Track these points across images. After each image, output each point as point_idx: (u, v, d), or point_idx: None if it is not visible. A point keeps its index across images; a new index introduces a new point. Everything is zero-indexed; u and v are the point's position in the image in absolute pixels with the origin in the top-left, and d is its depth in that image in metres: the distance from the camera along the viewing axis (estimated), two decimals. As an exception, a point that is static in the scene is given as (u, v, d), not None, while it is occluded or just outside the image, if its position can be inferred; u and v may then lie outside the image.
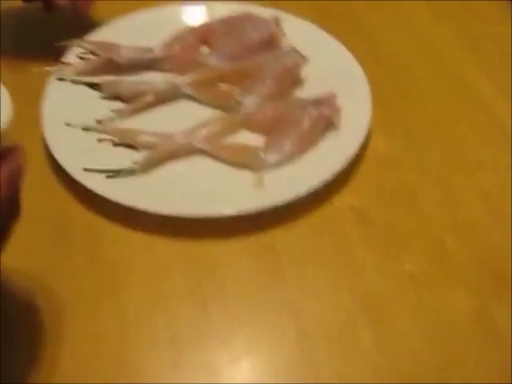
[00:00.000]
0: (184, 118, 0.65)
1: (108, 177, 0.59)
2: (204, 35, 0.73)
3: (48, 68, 0.67)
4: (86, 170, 0.59)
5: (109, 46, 0.69)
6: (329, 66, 0.69)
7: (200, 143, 0.61)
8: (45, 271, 0.55)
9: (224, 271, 0.56)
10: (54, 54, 0.69)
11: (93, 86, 0.67)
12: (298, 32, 0.72)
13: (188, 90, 0.66)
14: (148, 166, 0.60)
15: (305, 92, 0.67)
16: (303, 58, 0.68)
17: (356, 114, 0.64)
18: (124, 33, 0.72)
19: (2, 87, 0.42)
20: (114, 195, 0.58)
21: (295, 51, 0.68)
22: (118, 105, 0.66)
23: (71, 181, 0.59)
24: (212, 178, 0.61)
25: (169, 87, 0.66)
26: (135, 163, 0.60)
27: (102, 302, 0.54)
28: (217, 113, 0.66)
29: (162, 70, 0.70)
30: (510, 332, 0.51)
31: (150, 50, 0.70)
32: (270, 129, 0.64)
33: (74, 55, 0.70)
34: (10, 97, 0.41)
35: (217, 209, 0.57)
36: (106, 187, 0.58)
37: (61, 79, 0.67)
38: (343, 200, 0.61)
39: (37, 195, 0.58)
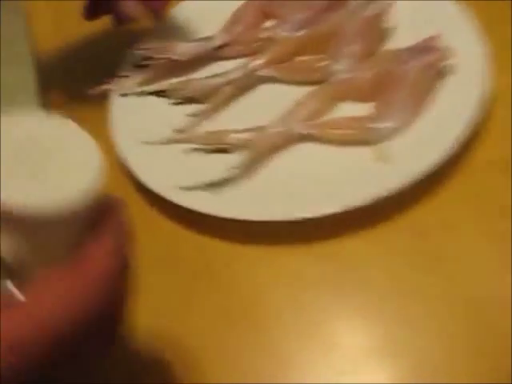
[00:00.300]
0: (271, 104, 0.56)
1: (207, 191, 0.51)
2: (264, 8, 0.63)
3: (105, 86, 0.59)
4: (183, 188, 0.51)
5: (164, 47, 0.60)
6: (421, 6, 0.59)
7: (301, 128, 0.52)
8: (169, 322, 0.47)
9: (374, 264, 0.47)
10: (106, 71, 0.61)
11: (159, 93, 0.59)
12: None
13: (267, 72, 0.57)
14: (249, 168, 0.52)
15: (400, 42, 0.57)
16: (387, 3, 0.58)
17: (468, 54, 0.54)
18: (177, 27, 0.63)
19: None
20: (220, 210, 0.50)
21: (376, -2, 0.59)
22: (193, 108, 0.57)
23: (166, 204, 0.52)
24: (326, 165, 0.51)
25: (244, 73, 0.57)
26: (233, 168, 0.51)
27: (243, 338, 0.45)
28: (306, 89, 0.56)
29: (228, 57, 0.61)
30: None
31: (210, 38, 0.61)
32: (373, 93, 0.54)
33: (129, 67, 0.61)
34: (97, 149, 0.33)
35: (345, 200, 0.48)
36: (207, 203, 0.50)
37: (123, 95, 0.59)
38: (481, 155, 0.51)
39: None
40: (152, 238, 0.51)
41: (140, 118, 0.58)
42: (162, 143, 0.55)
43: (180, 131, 0.55)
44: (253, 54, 0.60)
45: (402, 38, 0.58)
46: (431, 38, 0.54)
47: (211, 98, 0.57)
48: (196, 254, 0.51)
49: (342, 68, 0.56)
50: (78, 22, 0.61)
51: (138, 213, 0.52)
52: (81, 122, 0.56)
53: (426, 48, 0.53)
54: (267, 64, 0.58)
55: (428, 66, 0.53)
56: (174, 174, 0.53)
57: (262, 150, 0.52)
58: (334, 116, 0.54)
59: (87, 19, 0.60)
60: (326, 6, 0.60)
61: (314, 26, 0.59)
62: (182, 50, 0.60)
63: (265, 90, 0.58)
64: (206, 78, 0.58)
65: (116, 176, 0.55)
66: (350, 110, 0.55)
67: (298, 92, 0.56)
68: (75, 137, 0.33)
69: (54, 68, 0.65)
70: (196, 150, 0.54)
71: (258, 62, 0.58)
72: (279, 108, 0.55)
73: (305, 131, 0.52)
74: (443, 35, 0.54)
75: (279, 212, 0.49)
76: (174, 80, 0.59)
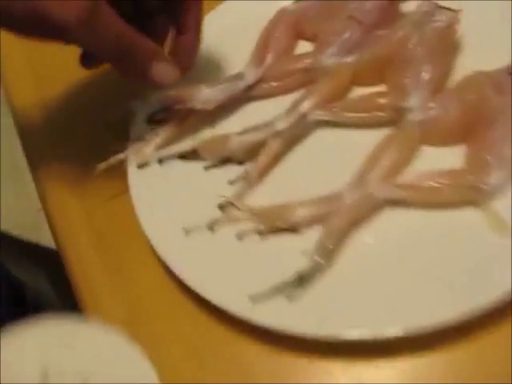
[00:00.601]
0: (332, 156, 0.45)
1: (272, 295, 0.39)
2: (296, 25, 0.51)
3: (116, 158, 0.46)
4: (252, 299, 0.38)
5: (184, 94, 0.47)
6: (491, 14, 0.48)
7: (385, 191, 0.41)
8: None
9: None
10: (112, 134, 0.48)
11: (187, 156, 0.46)
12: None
13: (320, 115, 0.45)
14: (329, 257, 0.40)
15: (480, 62, 0.46)
16: (454, 12, 0.47)
17: None
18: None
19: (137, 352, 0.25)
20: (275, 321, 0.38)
21: (438, 7, 0.47)
22: (233, 171, 0.45)
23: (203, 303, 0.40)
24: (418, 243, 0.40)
25: (294, 122, 0.45)
26: (315, 260, 0.39)
27: None
28: (373, 134, 0.45)
29: (263, 96, 0.49)
30: None
31: (239, 76, 0.48)
32: (465, 133, 0.43)
33: (141, 125, 0.48)
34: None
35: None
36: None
37: (142, 165, 0.46)
38: None
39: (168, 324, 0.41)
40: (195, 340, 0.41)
41: (169, 193, 0.45)
42: (203, 228, 0.42)
43: (223, 207, 0.43)
44: (293, 89, 0.48)
45: (479, 55, 0.46)
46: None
47: (256, 158, 0.44)
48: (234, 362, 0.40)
49: (415, 103, 0.44)
50: (63, 73, 0.48)
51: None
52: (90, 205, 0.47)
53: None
54: (319, 104, 0.45)
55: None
56: (225, 272, 0.41)
57: (343, 227, 0.40)
58: (416, 168, 0.43)
59: (86, 68, 0.47)
60: (376, 20, 0.48)
61: (368, 49, 0.47)
62: (207, 96, 0.46)
63: (320, 138, 0.46)
64: (246, 131, 0.45)
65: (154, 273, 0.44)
66: (435, 159, 0.43)
67: (364, 138, 0.45)
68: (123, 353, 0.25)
69: (42, 138, 0.51)
70: (248, 233, 0.42)
71: (307, 102, 0.45)
72: (344, 161, 0.44)
73: (390, 195, 0.41)
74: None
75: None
76: (203, 136, 0.47)
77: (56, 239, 0.48)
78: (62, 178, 0.49)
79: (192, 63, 0.46)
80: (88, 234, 0.46)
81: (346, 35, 0.48)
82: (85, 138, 0.50)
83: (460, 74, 0.46)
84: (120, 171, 0.46)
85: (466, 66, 0.46)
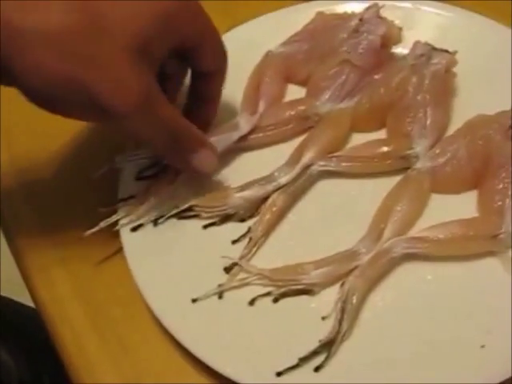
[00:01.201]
0: (340, 210, 0.43)
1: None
2: (285, 70, 0.49)
3: (106, 221, 0.42)
4: (279, 374, 0.36)
5: None
6: (486, 55, 0.47)
7: (405, 246, 0.39)
8: None
9: None
10: (99, 196, 0.44)
11: (184, 214, 0.43)
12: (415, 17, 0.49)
13: (326, 166, 0.43)
14: (352, 320, 0.38)
15: (481, 103, 0.45)
16: (451, 54, 0.46)
17: None
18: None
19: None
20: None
21: (434, 48, 0.46)
22: (233, 229, 0.42)
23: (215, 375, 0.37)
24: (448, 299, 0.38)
25: (297, 174, 0.43)
26: (340, 324, 0.37)
27: None
28: (380, 184, 0.43)
29: (259, 146, 0.46)
30: None
31: (234, 126, 0.45)
32: (476, 179, 0.42)
33: (129, 183, 0.44)
34: None
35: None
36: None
37: (135, 228, 0.42)
38: None
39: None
40: None
41: (168, 256, 0.41)
42: (209, 295, 0.39)
43: (229, 269, 0.40)
44: (289, 137, 0.46)
45: (476, 97, 0.46)
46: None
47: (261, 214, 0.42)
48: None
49: (421, 150, 0.43)
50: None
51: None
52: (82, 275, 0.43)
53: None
54: (321, 154, 0.43)
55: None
56: (237, 341, 0.38)
57: (362, 287, 0.38)
58: (429, 217, 0.41)
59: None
60: (371, 62, 0.47)
61: (367, 94, 0.46)
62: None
63: (324, 190, 0.44)
64: (247, 186, 0.43)
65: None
66: (444, 203, 0.42)
67: (369, 188, 0.43)
68: None
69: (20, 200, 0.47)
70: (261, 297, 0.39)
71: (309, 153, 0.43)
72: (352, 213, 0.42)
73: (408, 250, 0.39)
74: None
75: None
76: (199, 192, 0.43)
77: (42, 312, 0.44)
78: (44, 244, 0.45)
79: (208, 130, 0.44)
80: (79, 306, 0.43)
81: (341, 79, 0.46)
82: (69, 198, 0.46)
83: (460, 117, 0.44)
84: (109, 232, 0.43)
85: (465, 109, 0.45)
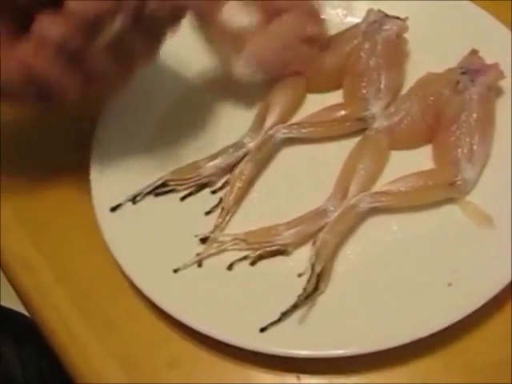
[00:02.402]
0: (304, 173, 0.45)
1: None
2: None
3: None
4: (262, 330, 0.38)
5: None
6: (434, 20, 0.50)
7: (370, 201, 0.41)
8: None
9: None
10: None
11: (160, 190, 0.44)
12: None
13: (288, 134, 0.45)
14: (327, 274, 0.40)
15: (431, 64, 0.47)
16: (402, 20, 0.47)
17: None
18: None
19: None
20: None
21: (386, 16, 0.48)
22: (206, 201, 0.44)
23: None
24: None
25: (261, 143, 0.44)
26: (316, 279, 0.38)
27: None
28: (342, 145, 0.45)
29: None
30: None
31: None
32: (430, 134, 0.44)
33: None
34: None
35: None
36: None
37: (114, 208, 0.43)
38: None
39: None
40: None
41: (147, 234, 0.43)
42: (198, 265, 0.41)
43: (205, 239, 0.42)
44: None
45: (427, 58, 0.48)
46: (474, 55, 0.45)
47: (230, 183, 0.44)
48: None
49: (376, 111, 0.45)
50: None
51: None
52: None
53: (481, 67, 0.44)
54: (282, 118, 0.46)
55: (487, 88, 0.44)
56: (220, 304, 0.40)
57: (332, 242, 0.40)
58: (390, 173, 0.43)
59: None
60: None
61: (322, 60, 0.48)
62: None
63: (288, 156, 0.46)
64: (216, 156, 0.45)
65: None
66: (407, 162, 0.44)
67: (331, 150, 0.45)
68: None
69: None
70: (238, 261, 0.41)
71: (271, 118, 0.45)
72: (316, 175, 0.44)
73: (373, 204, 0.42)
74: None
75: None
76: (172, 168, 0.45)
77: (25, 300, 0.45)
78: (21, 233, 0.46)
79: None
80: (62, 290, 0.44)
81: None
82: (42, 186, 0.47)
83: (413, 78, 0.47)
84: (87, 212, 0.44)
85: (418, 70, 0.47)
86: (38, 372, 0.58)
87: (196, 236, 0.42)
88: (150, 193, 0.44)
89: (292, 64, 0.47)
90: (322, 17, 0.48)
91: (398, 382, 0.38)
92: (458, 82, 0.44)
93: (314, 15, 0.48)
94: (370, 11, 0.48)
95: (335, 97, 0.48)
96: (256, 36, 0.45)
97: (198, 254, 0.41)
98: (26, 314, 0.46)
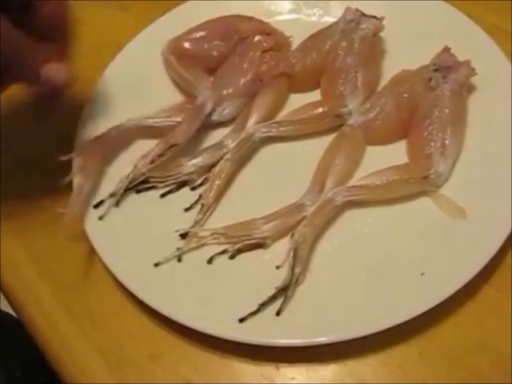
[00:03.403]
0: (283, 170, 0.46)
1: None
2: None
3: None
4: (241, 320, 0.38)
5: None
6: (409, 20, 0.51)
7: (346, 194, 0.42)
8: None
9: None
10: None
11: (141, 186, 0.45)
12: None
13: (267, 132, 0.46)
14: (304, 266, 0.40)
15: (404, 62, 0.48)
16: (379, 20, 0.49)
17: (489, 68, 0.46)
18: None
19: None
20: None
21: (363, 15, 0.49)
22: (186, 197, 0.45)
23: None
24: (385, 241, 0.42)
25: (241, 141, 0.45)
26: (294, 271, 0.39)
27: None
28: (319, 142, 0.46)
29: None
30: None
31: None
32: (404, 129, 0.46)
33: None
34: None
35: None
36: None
37: (96, 205, 0.44)
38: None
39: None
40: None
41: (128, 230, 0.44)
42: (178, 258, 0.42)
43: (187, 235, 0.43)
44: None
45: (402, 56, 0.49)
46: (446, 53, 0.46)
47: (210, 181, 0.45)
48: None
49: (353, 108, 0.46)
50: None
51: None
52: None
53: (453, 64, 0.45)
54: (263, 119, 0.47)
55: (459, 84, 0.45)
56: (201, 297, 0.41)
57: (310, 235, 0.41)
58: (366, 167, 0.45)
59: None
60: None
61: (300, 58, 0.49)
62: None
63: (268, 153, 0.47)
64: (198, 155, 0.46)
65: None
66: (379, 155, 0.45)
67: (309, 147, 0.47)
68: None
69: None
70: (218, 255, 0.42)
71: (253, 119, 0.46)
72: (294, 172, 0.46)
73: (349, 197, 0.43)
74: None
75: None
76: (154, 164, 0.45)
77: (8, 295, 0.45)
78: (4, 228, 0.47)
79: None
80: (45, 285, 0.45)
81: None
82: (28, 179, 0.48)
83: (388, 75, 0.48)
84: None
85: (393, 67, 0.48)
86: (21, 375, 0.58)
87: (176, 231, 0.43)
88: (130, 189, 0.45)
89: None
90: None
91: (374, 369, 0.39)
92: (430, 79, 0.45)
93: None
94: (347, 10, 0.49)
95: (316, 96, 0.49)
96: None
97: (178, 249, 0.42)
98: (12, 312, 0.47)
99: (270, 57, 0.49)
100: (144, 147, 0.47)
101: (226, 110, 0.47)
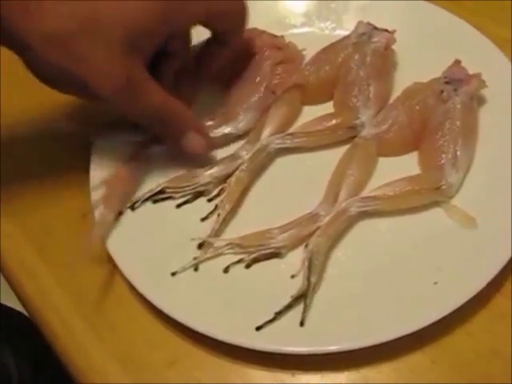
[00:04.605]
0: (298, 181, 0.47)
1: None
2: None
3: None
4: (258, 329, 0.39)
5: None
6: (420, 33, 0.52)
7: (360, 205, 0.43)
8: None
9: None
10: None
11: (158, 197, 0.46)
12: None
13: (282, 144, 0.47)
14: (320, 275, 0.41)
15: (415, 74, 0.49)
16: (390, 33, 0.50)
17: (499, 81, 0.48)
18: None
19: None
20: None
21: (374, 28, 0.50)
22: (203, 206, 0.46)
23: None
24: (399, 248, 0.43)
25: (256, 153, 0.46)
26: (310, 280, 0.40)
27: None
28: (332, 154, 0.47)
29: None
30: None
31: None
32: (416, 141, 0.47)
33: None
34: None
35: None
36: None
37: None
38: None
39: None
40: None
41: (146, 239, 0.45)
42: (194, 269, 0.43)
43: (203, 245, 0.43)
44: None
45: (413, 69, 0.50)
46: (457, 66, 0.47)
47: (226, 191, 0.45)
48: None
49: (365, 120, 0.47)
50: None
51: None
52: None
53: (463, 77, 0.46)
54: (277, 131, 0.48)
55: (469, 96, 0.46)
56: (219, 307, 0.41)
57: (325, 245, 0.42)
58: (379, 178, 0.45)
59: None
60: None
61: (313, 71, 0.50)
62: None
63: (282, 165, 0.48)
64: (213, 165, 0.47)
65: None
66: (390, 165, 0.46)
67: (323, 159, 0.47)
68: None
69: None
70: (234, 264, 0.43)
71: (267, 131, 0.47)
72: (308, 183, 0.46)
73: (363, 208, 0.43)
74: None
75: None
76: (171, 176, 0.47)
77: (27, 305, 0.46)
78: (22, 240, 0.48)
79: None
80: (63, 294, 0.45)
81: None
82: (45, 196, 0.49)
83: (401, 87, 0.49)
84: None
85: (405, 79, 0.50)
86: (33, 371, 0.59)
87: (192, 240, 0.44)
88: (147, 199, 0.46)
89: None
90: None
91: (388, 376, 0.39)
92: (442, 92, 0.46)
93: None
94: (359, 23, 0.50)
95: (329, 108, 0.50)
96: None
97: (195, 258, 0.43)
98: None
99: (282, 69, 0.50)
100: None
101: (240, 124, 0.48)
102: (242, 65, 0.51)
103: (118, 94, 0.41)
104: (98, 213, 0.45)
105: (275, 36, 0.52)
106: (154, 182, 0.46)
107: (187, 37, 0.48)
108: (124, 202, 0.46)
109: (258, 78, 0.50)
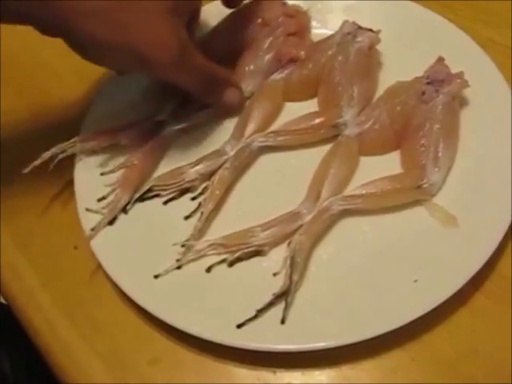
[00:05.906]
0: (280, 179, 0.47)
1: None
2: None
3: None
4: (239, 326, 0.40)
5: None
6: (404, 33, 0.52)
7: (342, 204, 0.43)
8: None
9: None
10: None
11: (145, 196, 0.46)
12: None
13: (265, 142, 0.47)
14: (301, 273, 0.41)
15: (398, 73, 0.49)
16: (375, 33, 0.50)
17: (481, 80, 0.48)
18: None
19: None
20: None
21: (359, 28, 0.50)
22: (186, 206, 0.46)
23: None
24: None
25: (239, 150, 0.47)
26: (292, 278, 0.40)
27: None
28: (315, 152, 0.47)
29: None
30: None
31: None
32: (398, 140, 0.47)
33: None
34: None
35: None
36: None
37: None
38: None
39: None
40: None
41: (130, 238, 0.45)
42: (169, 270, 0.43)
43: (184, 246, 0.43)
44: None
45: (397, 68, 0.51)
46: (440, 63, 0.48)
47: (209, 189, 0.45)
48: None
49: (348, 119, 0.48)
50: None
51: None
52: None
53: (446, 77, 0.47)
54: (260, 127, 0.48)
55: (451, 97, 0.46)
56: (202, 306, 0.41)
57: (307, 243, 0.42)
58: (361, 177, 0.46)
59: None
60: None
61: (296, 69, 0.50)
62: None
63: (265, 163, 0.48)
64: (199, 160, 0.47)
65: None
66: (373, 164, 0.47)
67: (305, 157, 0.48)
68: None
69: None
70: (216, 264, 0.43)
71: (251, 127, 0.48)
72: (291, 181, 0.47)
73: (345, 206, 0.44)
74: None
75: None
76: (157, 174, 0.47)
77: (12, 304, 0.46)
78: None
79: None
80: (47, 294, 0.45)
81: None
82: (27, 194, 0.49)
83: (385, 85, 0.49)
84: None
85: (388, 78, 0.50)
86: (26, 370, 0.59)
87: (174, 244, 0.44)
88: (137, 200, 0.46)
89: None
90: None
91: (369, 373, 0.40)
92: (423, 93, 0.46)
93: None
94: (344, 23, 0.51)
95: (311, 105, 0.51)
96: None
97: (177, 260, 0.43)
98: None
99: (291, 41, 0.51)
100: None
101: (249, 87, 0.51)
102: (255, 30, 0.52)
103: (174, 61, 0.42)
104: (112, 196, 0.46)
105: (286, 4, 0.53)
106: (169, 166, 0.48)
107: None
108: (139, 186, 0.47)
109: (268, 45, 0.51)
